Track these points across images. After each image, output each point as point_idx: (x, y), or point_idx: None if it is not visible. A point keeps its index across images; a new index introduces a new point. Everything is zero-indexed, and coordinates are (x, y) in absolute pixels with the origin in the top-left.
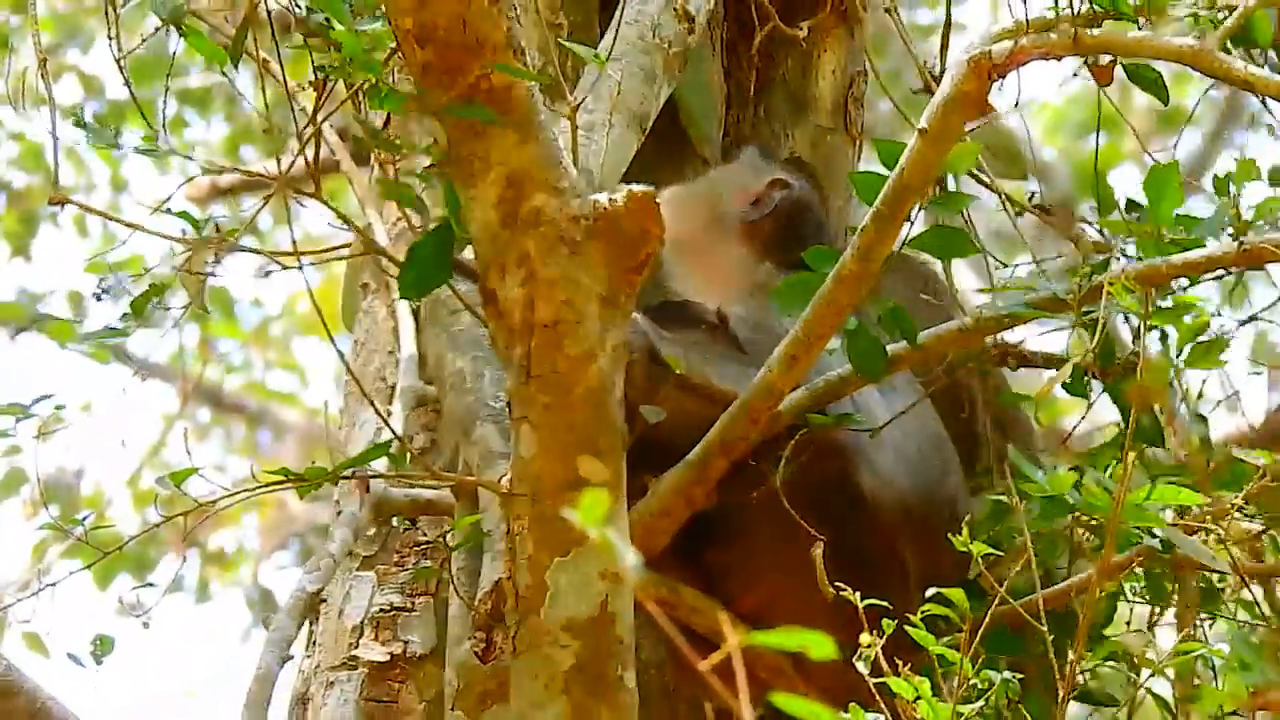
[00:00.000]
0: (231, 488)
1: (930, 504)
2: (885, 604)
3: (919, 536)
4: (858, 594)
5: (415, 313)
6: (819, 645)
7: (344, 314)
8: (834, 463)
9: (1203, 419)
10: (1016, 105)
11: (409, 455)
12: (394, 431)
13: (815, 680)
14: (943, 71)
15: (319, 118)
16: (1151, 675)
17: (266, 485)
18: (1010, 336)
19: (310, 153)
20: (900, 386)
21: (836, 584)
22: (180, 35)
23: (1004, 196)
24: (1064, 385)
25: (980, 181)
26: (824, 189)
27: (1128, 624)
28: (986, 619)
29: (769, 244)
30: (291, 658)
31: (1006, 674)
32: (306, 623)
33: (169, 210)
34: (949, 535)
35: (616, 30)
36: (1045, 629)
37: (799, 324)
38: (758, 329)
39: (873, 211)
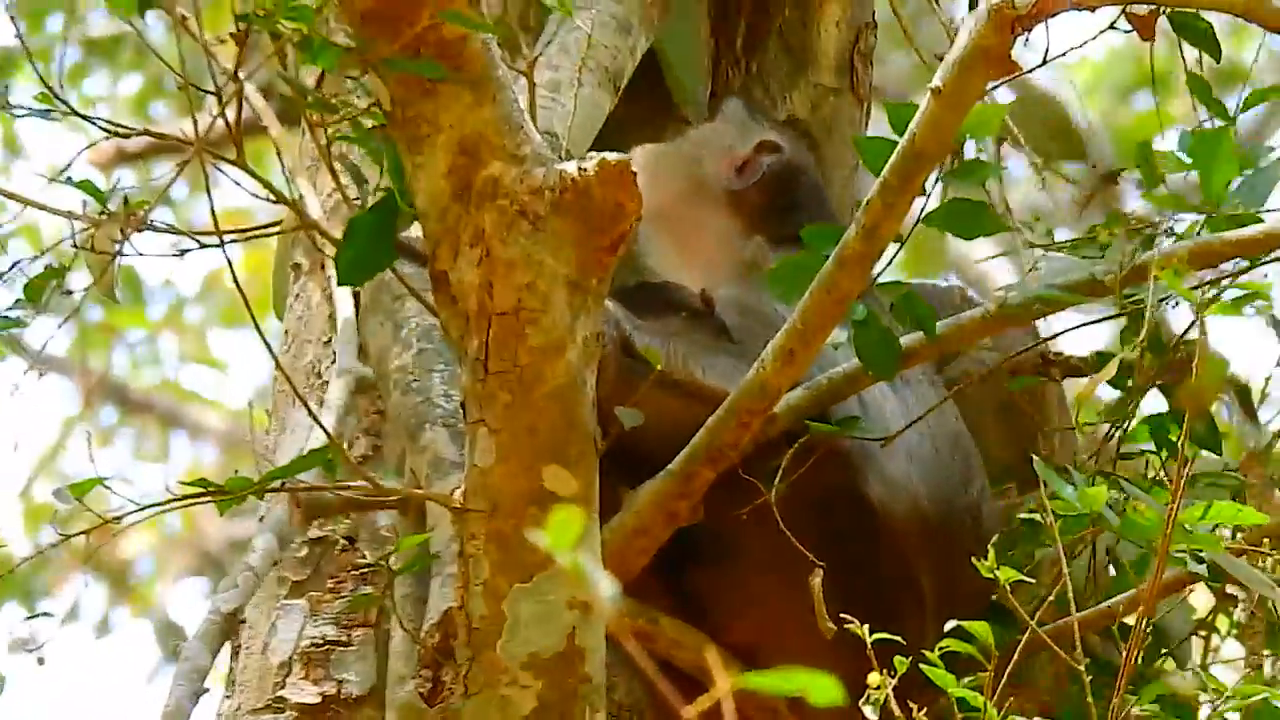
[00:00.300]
0: (140, 501)
1: (950, 515)
2: (897, 638)
3: (937, 553)
4: (866, 627)
5: (355, 297)
6: (821, 688)
7: (273, 299)
8: (837, 470)
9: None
10: (1045, 62)
11: (345, 459)
12: (329, 434)
13: None
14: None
15: (241, 74)
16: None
17: (182, 499)
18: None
19: (231, 113)
20: (913, 380)
21: (841, 616)
22: None
23: (1036, 164)
24: (1111, 383)
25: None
26: (823, 154)
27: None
28: (1015, 655)
29: (758, 215)
30: (207, 691)
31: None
32: (226, 654)
33: (68, 180)
34: (972, 556)
35: None
36: (1083, 668)
37: (796, 313)
38: (748, 315)
39: (880, 183)
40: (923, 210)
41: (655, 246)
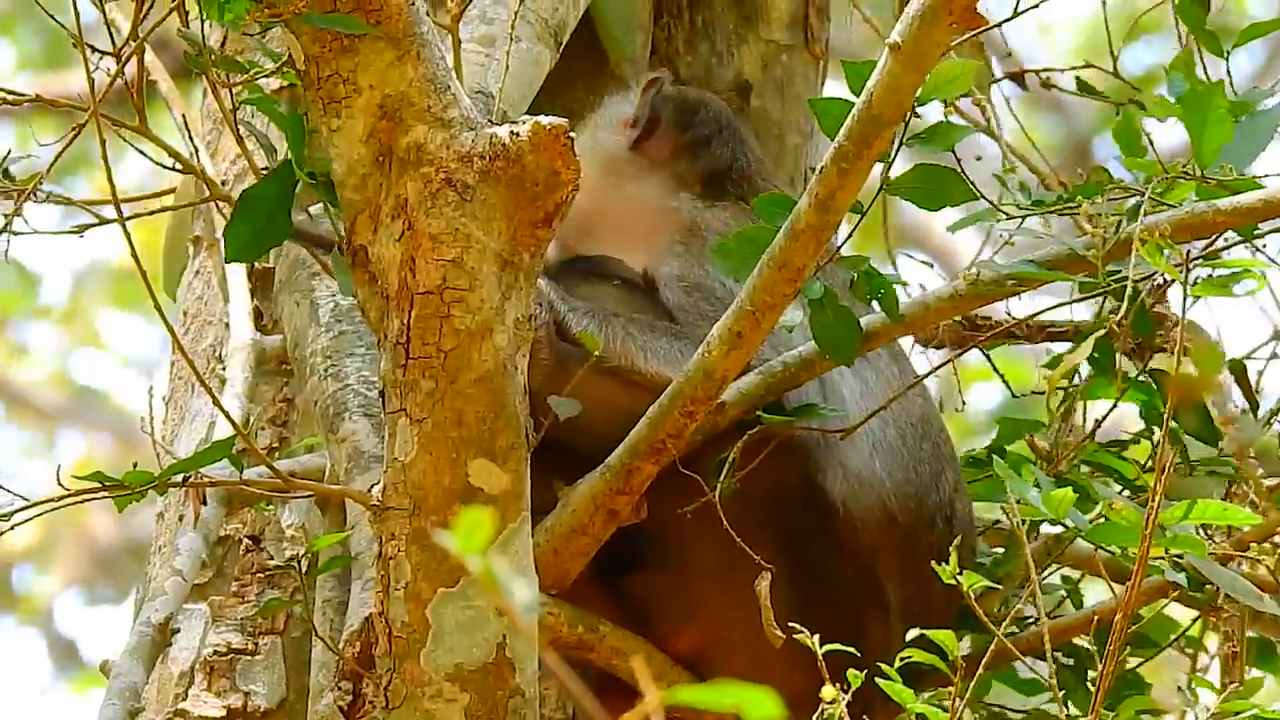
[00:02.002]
0: (29, 499)
1: (919, 513)
2: (854, 650)
3: (904, 555)
4: (817, 637)
5: (250, 270)
6: (759, 703)
7: (164, 278)
8: (791, 463)
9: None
10: (1016, 14)
11: (253, 449)
12: (234, 424)
13: None
14: None
15: (141, 31)
16: None
17: (76, 494)
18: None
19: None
20: (873, 357)
21: (790, 625)
22: None
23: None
24: (1090, 361)
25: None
26: (772, 116)
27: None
28: (980, 668)
29: (673, 167)
30: (142, 709)
31: None
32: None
33: None
34: (934, 563)
35: None
36: (1055, 681)
37: (744, 292)
38: (695, 291)
39: (834, 148)
40: (884, 178)
41: (589, 242)
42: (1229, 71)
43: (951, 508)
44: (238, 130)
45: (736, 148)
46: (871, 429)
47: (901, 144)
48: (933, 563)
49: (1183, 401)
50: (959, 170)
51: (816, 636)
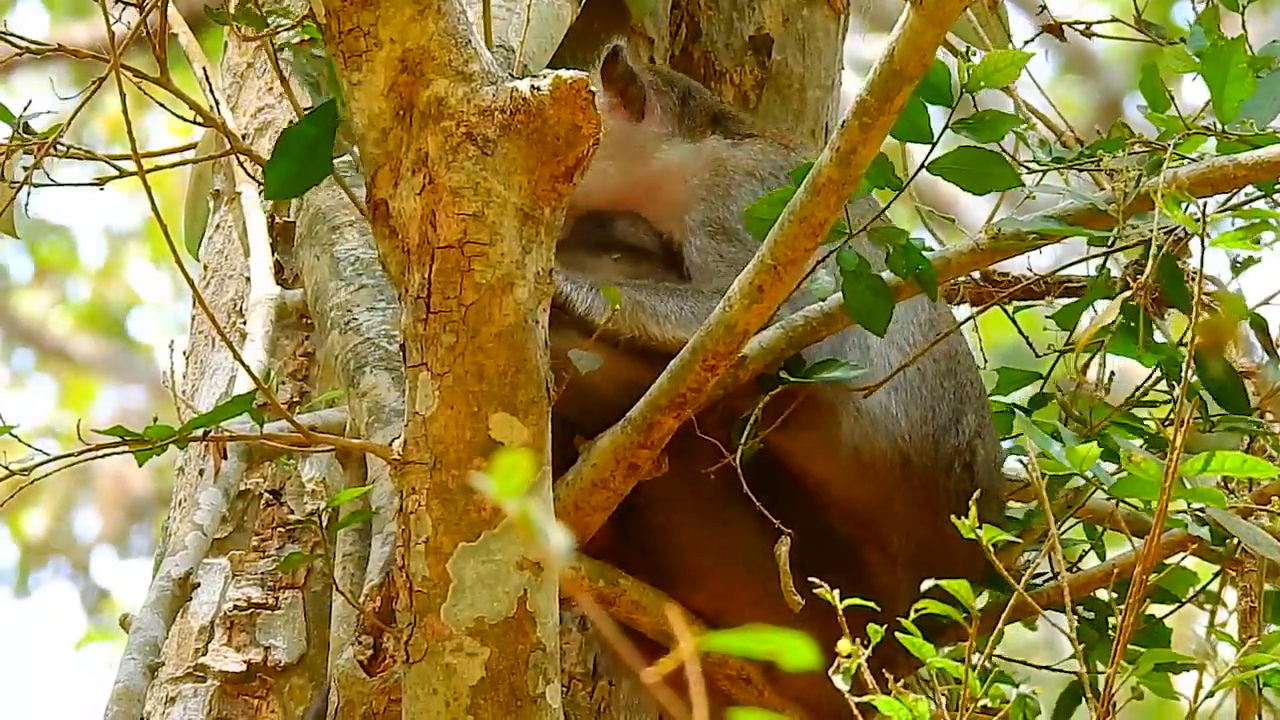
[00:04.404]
0: (55, 452)
1: (935, 452)
2: (872, 602)
3: (917, 497)
4: (836, 592)
5: (271, 220)
6: (794, 651)
7: (185, 234)
8: (807, 414)
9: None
10: None
11: (273, 403)
12: (254, 377)
13: (790, 692)
14: None
15: None
16: (1208, 695)
17: (96, 449)
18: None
19: (153, 23)
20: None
21: (810, 579)
22: None
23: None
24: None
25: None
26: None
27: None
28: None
29: (680, 121)
30: (162, 664)
31: (1024, 689)
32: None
33: None
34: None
35: None
36: (1075, 636)
37: (765, 246)
38: (719, 234)
39: (856, 102)
40: (927, 158)
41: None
42: (1244, 25)
43: (972, 452)
44: (280, 69)
45: (708, 93)
46: (889, 362)
47: (945, 128)
48: (952, 516)
49: (1208, 348)
50: (1000, 152)
51: (836, 592)
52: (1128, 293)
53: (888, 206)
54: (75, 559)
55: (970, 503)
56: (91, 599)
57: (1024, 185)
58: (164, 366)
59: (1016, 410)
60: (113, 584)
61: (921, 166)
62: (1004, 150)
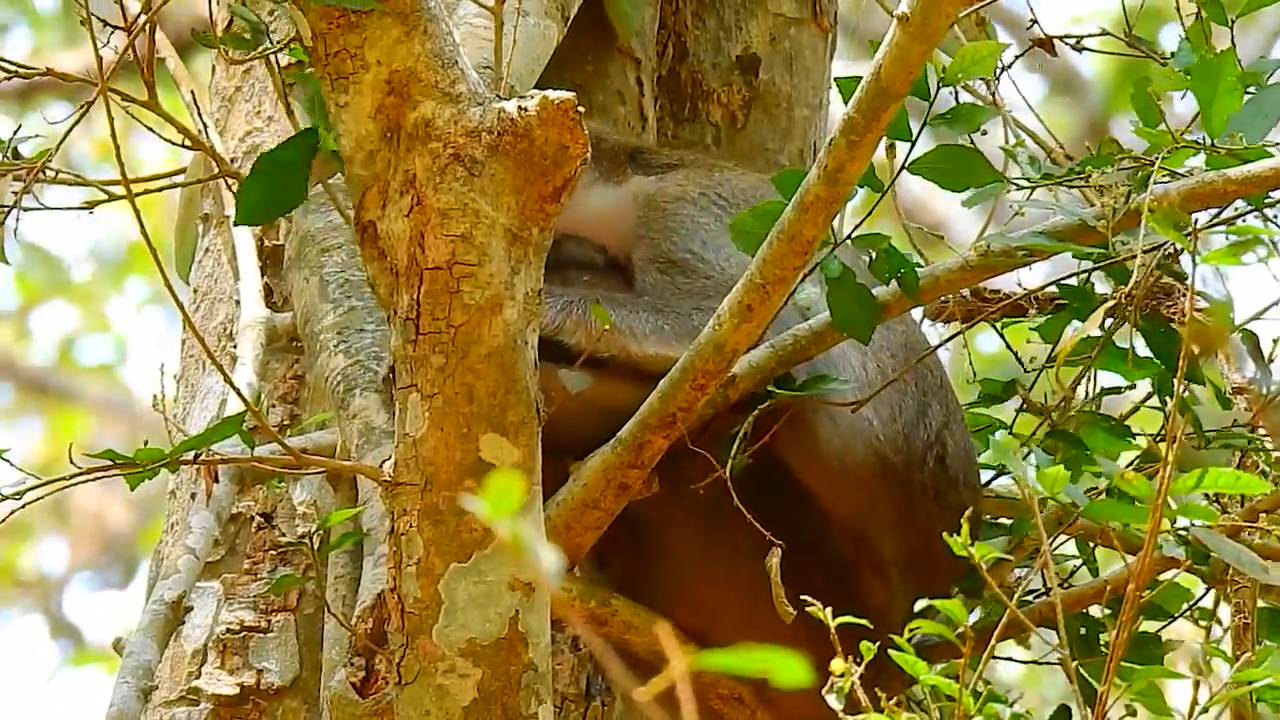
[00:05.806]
0: (41, 477)
1: (908, 447)
2: (866, 619)
3: (897, 496)
4: (829, 610)
5: (260, 243)
6: (787, 669)
7: (177, 257)
8: (787, 431)
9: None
10: None
11: (264, 425)
12: (244, 399)
13: (782, 711)
14: None
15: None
16: (1202, 711)
17: (87, 472)
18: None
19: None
20: None
21: (803, 597)
22: None
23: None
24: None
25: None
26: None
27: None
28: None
29: (594, 163)
30: (155, 688)
31: (1017, 709)
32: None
33: None
34: (938, 500)
35: None
36: (1069, 652)
37: (754, 265)
38: (670, 268)
39: (844, 120)
40: (907, 157)
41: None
42: (1233, 40)
43: (943, 444)
44: (288, 102)
45: (617, 134)
46: (852, 365)
47: (924, 125)
48: (940, 512)
49: (1199, 351)
50: (978, 150)
51: (829, 610)
52: (1109, 303)
53: (873, 209)
54: (45, 593)
55: (962, 520)
56: (62, 632)
57: (1005, 180)
58: (145, 395)
59: (997, 430)
60: (83, 618)
61: (903, 168)
62: (981, 152)
